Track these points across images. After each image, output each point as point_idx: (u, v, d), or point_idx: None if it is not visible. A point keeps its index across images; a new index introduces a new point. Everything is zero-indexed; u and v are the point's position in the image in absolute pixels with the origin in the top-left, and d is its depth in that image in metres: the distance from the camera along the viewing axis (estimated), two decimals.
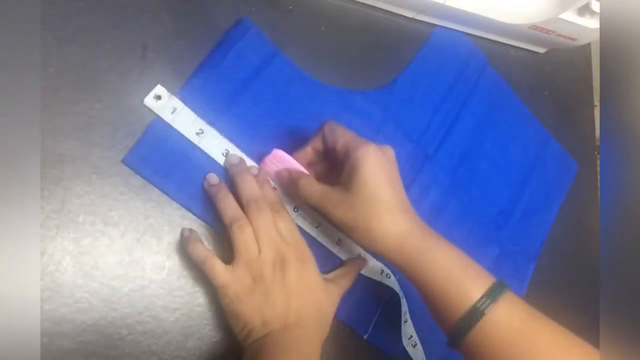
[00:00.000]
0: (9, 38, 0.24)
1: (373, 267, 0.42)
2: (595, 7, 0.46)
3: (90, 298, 0.33)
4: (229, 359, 0.37)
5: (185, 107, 0.37)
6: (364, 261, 0.41)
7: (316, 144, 0.38)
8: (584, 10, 0.48)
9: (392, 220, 0.33)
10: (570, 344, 0.33)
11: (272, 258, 0.34)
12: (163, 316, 0.35)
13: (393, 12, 0.49)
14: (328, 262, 0.41)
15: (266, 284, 0.34)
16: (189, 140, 0.37)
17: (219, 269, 0.34)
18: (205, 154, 0.37)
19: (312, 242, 0.40)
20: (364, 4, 0.48)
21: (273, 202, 0.36)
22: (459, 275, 0.33)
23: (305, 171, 0.37)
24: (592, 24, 0.49)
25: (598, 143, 0.66)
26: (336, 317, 0.39)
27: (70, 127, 0.34)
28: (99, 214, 0.34)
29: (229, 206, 0.35)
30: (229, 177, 0.37)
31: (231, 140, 0.38)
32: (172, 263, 0.36)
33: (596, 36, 0.52)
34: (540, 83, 0.61)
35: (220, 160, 0.37)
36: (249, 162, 0.38)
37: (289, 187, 0.38)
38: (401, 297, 0.43)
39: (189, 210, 0.36)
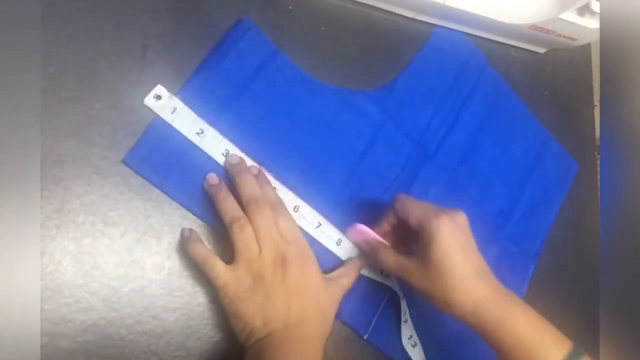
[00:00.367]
0: (9, 38, 0.24)
1: (373, 267, 0.42)
2: (595, 7, 0.46)
3: (90, 298, 0.33)
4: (229, 359, 0.37)
5: (186, 107, 0.37)
6: (364, 261, 0.41)
7: (390, 219, 0.40)
8: (584, 10, 0.48)
9: (468, 288, 0.35)
10: None
11: (273, 257, 0.34)
12: (163, 316, 0.35)
13: (393, 12, 0.49)
14: (328, 262, 0.41)
15: (267, 283, 0.34)
16: (189, 140, 0.37)
17: (219, 269, 0.34)
18: (206, 154, 0.37)
19: (312, 242, 0.40)
20: (364, 4, 0.48)
21: (273, 201, 0.37)
22: (537, 342, 0.34)
23: (383, 241, 0.40)
24: (592, 24, 0.49)
25: (598, 143, 0.66)
26: (336, 317, 0.39)
27: (70, 127, 0.34)
28: (99, 214, 0.34)
29: (229, 206, 0.35)
30: (229, 177, 0.37)
31: (231, 140, 0.38)
32: (172, 263, 0.36)
33: (596, 36, 0.52)
34: (540, 83, 0.61)
35: (220, 160, 0.37)
36: (249, 162, 0.38)
37: (369, 257, 0.40)
38: (401, 298, 0.43)
39: (189, 210, 0.36)
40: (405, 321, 0.43)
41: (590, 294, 0.59)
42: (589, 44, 0.65)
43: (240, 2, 0.41)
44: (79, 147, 0.34)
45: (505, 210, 0.53)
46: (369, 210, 0.44)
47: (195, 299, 0.36)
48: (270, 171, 0.39)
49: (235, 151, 0.38)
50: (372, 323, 0.42)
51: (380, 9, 0.49)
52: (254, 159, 0.39)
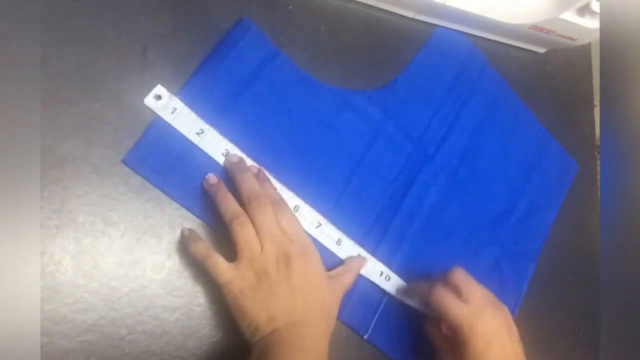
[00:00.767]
0: (9, 38, 0.24)
1: (372, 268, 0.42)
2: (595, 7, 0.46)
3: (90, 298, 0.33)
4: (229, 359, 0.37)
5: (185, 107, 0.37)
6: (364, 260, 0.41)
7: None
8: (584, 10, 0.48)
9: None
10: None
11: (276, 254, 0.34)
12: (163, 316, 0.35)
13: (393, 12, 0.49)
14: (328, 262, 0.41)
15: (270, 280, 0.34)
16: (189, 140, 0.37)
17: (221, 266, 0.33)
18: (205, 154, 0.37)
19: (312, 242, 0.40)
20: (364, 4, 0.48)
21: (274, 199, 0.36)
22: None
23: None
24: (592, 24, 0.49)
25: (598, 143, 0.66)
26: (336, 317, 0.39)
27: (70, 127, 0.34)
28: (99, 214, 0.34)
29: (228, 204, 0.35)
30: (229, 176, 0.37)
31: (231, 140, 0.38)
32: (172, 263, 0.36)
33: (596, 36, 0.52)
34: (540, 83, 0.61)
35: (220, 160, 0.37)
36: (249, 162, 0.38)
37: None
38: (400, 299, 0.43)
39: (189, 210, 0.36)
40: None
41: (590, 294, 0.59)
42: (589, 44, 0.65)
43: (240, 2, 0.41)
44: (79, 147, 0.34)
45: (505, 210, 0.53)
46: (369, 210, 0.44)
47: (195, 299, 0.36)
48: (270, 171, 0.39)
49: (235, 151, 0.38)
50: (372, 323, 0.42)
51: (380, 9, 0.49)
52: (254, 159, 0.39)
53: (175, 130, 0.36)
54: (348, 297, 0.40)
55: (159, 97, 0.36)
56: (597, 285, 0.59)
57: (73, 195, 0.33)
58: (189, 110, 0.37)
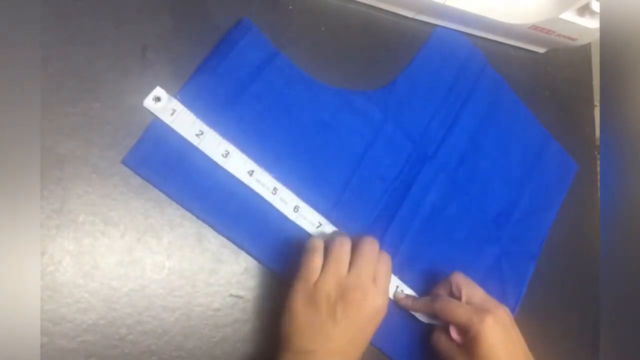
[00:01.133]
0: (9, 38, 0.24)
1: None
2: (595, 7, 0.46)
3: (90, 298, 0.33)
4: (228, 359, 0.37)
5: (185, 109, 0.37)
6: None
7: (441, 292, 0.43)
8: (584, 10, 0.48)
9: None
10: None
11: (327, 292, 0.34)
12: (163, 316, 0.35)
13: (393, 12, 0.49)
14: None
15: (318, 312, 0.34)
16: (189, 142, 0.37)
17: (316, 266, 0.35)
18: (205, 155, 0.37)
19: None
20: (364, 4, 0.48)
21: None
22: None
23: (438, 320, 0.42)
24: (592, 24, 0.49)
25: (598, 143, 0.66)
26: None
27: (70, 127, 0.34)
28: (99, 214, 0.34)
29: (316, 239, 0.37)
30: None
31: (231, 141, 0.38)
32: (172, 263, 0.36)
33: (596, 36, 0.52)
34: (540, 83, 0.61)
35: (220, 161, 0.37)
36: (249, 163, 0.38)
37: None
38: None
39: (189, 210, 0.36)
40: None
41: (591, 294, 0.59)
42: (589, 44, 0.65)
43: (240, 2, 0.41)
44: (79, 147, 0.34)
45: (505, 210, 0.53)
46: (369, 210, 0.44)
47: (195, 299, 0.36)
48: (270, 171, 0.39)
49: (235, 152, 0.38)
50: None
51: (380, 9, 0.49)
52: (254, 159, 0.39)
53: (175, 131, 0.36)
54: None
55: (158, 99, 0.36)
56: (597, 285, 0.59)
57: (73, 195, 0.33)
58: (189, 111, 0.37)
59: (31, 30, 0.25)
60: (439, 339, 0.41)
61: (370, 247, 0.37)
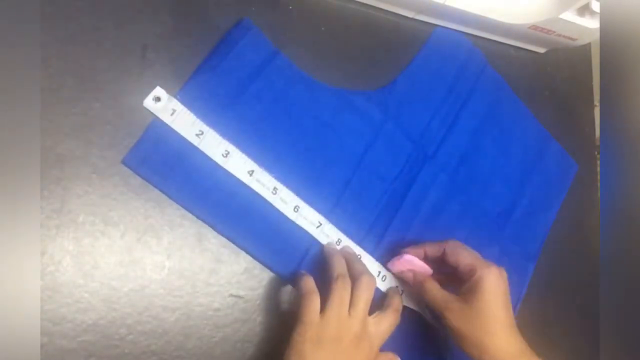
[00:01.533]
0: (9, 38, 0.24)
1: (370, 268, 0.42)
2: (595, 7, 0.46)
3: (90, 298, 0.33)
4: (229, 359, 0.37)
5: (185, 109, 0.37)
6: (400, 297, 0.42)
7: (431, 250, 0.42)
8: (584, 10, 0.48)
9: (504, 339, 0.37)
10: None
11: (355, 330, 0.35)
12: (163, 316, 0.35)
13: (393, 12, 0.49)
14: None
15: (340, 347, 0.35)
16: (189, 142, 0.37)
17: (314, 308, 0.35)
18: (205, 155, 0.37)
19: (312, 242, 0.40)
20: (364, 4, 0.48)
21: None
22: None
23: (428, 270, 0.42)
24: (592, 24, 0.49)
25: (598, 143, 0.66)
26: None
27: (70, 127, 0.34)
28: (99, 214, 0.34)
29: (339, 263, 0.38)
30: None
31: (231, 141, 0.38)
32: (172, 263, 0.36)
33: (596, 36, 0.52)
34: (540, 83, 0.61)
35: (220, 161, 0.37)
36: (249, 163, 0.38)
37: (414, 286, 0.42)
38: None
39: (189, 210, 0.36)
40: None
41: (590, 294, 0.59)
42: (589, 44, 0.65)
43: (240, 2, 0.41)
44: (79, 147, 0.34)
45: (505, 210, 0.53)
46: (369, 210, 0.44)
47: (195, 299, 0.36)
48: (270, 171, 0.39)
49: (235, 152, 0.38)
50: None
51: (380, 9, 0.49)
52: (254, 160, 0.39)
53: (175, 131, 0.36)
54: None
55: (158, 99, 0.36)
56: (597, 285, 0.59)
57: (73, 195, 0.33)
58: (189, 111, 0.37)
59: (31, 30, 0.25)
60: (432, 288, 0.40)
61: (369, 285, 0.37)
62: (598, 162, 0.65)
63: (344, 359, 0.35)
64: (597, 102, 0.67)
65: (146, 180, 0.35)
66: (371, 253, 0.43)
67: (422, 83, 0.50)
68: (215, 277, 0.37)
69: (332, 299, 0.35)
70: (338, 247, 0.41)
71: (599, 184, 0.63)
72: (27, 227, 0.24)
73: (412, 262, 0.42)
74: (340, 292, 0.35)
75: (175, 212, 0.36)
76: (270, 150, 0.40)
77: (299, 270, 0.39)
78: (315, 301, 0.35)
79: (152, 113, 0.36)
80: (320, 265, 0.39)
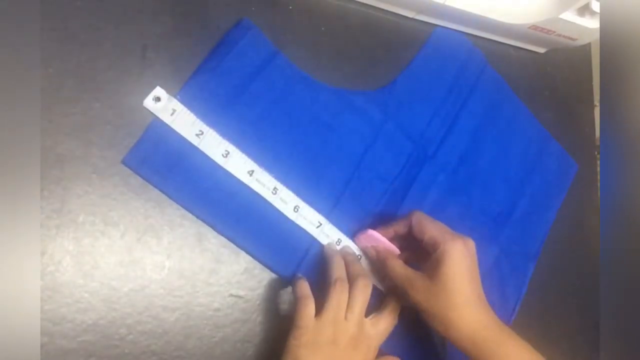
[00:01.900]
0: (9, 38, 0.24)
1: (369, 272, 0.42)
2: (595, 7, 0.46)
3: (90, 298, 0.33)
4: (228, 359, 0.37)
5: (185, 109, 0.37)
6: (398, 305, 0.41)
7: (399, 228, 0.41)
8: (584, 10, 0.48)
9: (470, 312, 0.36)
10: None
11: (352, 332, 0.35)
12: (163, 316, 0.35)
13: (393, 12, 0.49)
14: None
15: (337, 350, 0.35)
16: (189, 142, 0.37)
17: (309, 312, 0.35)
18: (205, 155, 0.37)
19: (312, 242, 0.40)
20: (364, 4, 0.48)
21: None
22: None
23: (395, 250, 0.40)
24: (592, 24, 0.49)
25: (598, 143, 0.66)
26: None
27: (70, 127, 0.34)
28: (99, 214, 0.34)
29: (338, 266, 0.37)
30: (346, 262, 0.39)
31: (231, 141, 0.38)
32: (172, 263, 0.36)
33: (596, 36, 0.52)
34: (540, 83, 0.61)
35: (220, 161, 0.37)
36: (249, 163, 0.38)
37: (376, 263, 0.41)
38: None
39: (189, 210, 0.36)
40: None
41: (590, 294, 0.59)
42: (589, 44, 0.65)
43: (240, 2, 0.41)
44: (79, 147, 0.34)
45: (505, 210, 0.53)
46: (369, 210, 0.44)
47: (195, 299, 0.36)
48: (270, 171, 0.39)
49: (235, 152, 0.38)
50: None
51: (380, 9, 0.49)
52: (254, 160, 0.39)
53: (175, 131, 0.36)
54: None
55: (158, 99, 0.36)
56: (597, 285, 0.59)
57: (73, 195, 0.33)
58: (189, 111, 0.37)
59: (31, 30, 0.25)
60: (394, 265, 0.39)
61: (365, 288, 0.37)
62: (598, 162, 0.65)
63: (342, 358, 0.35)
64: (597, 102, 0.67)
65: (146, 180, 0.35)
66: None
67: (422, 83, 0.50)
68: (215, 277, 0.37)
69: (329, 302, 0.35)
70: (338, 247, 0.41)
71: (599, 184, 0.63)
72: (27, 227, 0.24)
73: (376, 238, 0.40)
74: (338, 295, 0.35)
75: (175, 212, 0.36)
76: (270, 150, 0.40)
77: (295, 274, 0.39)
78: (310, 306, 0.35)
79: (152, 113, 0.36)
80: (320, 266, 0.39)
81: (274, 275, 0.39)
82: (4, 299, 0.22)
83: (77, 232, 0.33)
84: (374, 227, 0.41)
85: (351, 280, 0.37)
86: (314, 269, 0.40)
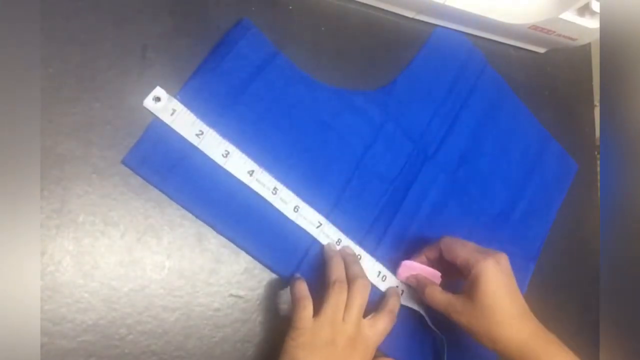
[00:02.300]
0: (9, 38, 0.24)
1: (371, 268, 0.42)
2: (595, 7, 0.46)
3: (90, 298, 0.33)
4: (229, 359, 0.37)
5: (185, 109, 0.37)
6: (398, 296, 0.42)
7: (430, 254, 0.42)
8: (584, 10, 0.48)
9: (513, 327, 0.37)
10: None
11: (350, 333, 0.36)
12: (163, 316, 0.35)
13: (393, 12, 0.49)
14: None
15: (335, 350, 0.35)
16: (189, 142, 0.37)
17: (307, 313, 0.35)
18: (205, 155, 0.37)
19: (312, 242, 0.40)
20: (364, 4, 0.48)
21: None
22: None
23: (436, 273, 0.42)
24: (592, 24, 0.49)
25: (598, 143, 0.66)
26: None
27: (70, 127, 0.34)
28: (99, 214, 0.34)
29: (338, 267, 0.38)
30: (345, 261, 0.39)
31: (231, 141, 0.38)
32: (172, 263, 0.36)
33: (596, 36, 0.52)
34: (540, 83, 0.61)
35: (220, 161, 0.37)
36: (249, 163, 0.38)
37: (416, 292, 0.42)
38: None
39: (189, 210, 0.36)
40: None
41: (590, 294, 0.59)
42: (589, 44, 0.65)
43: (240, 2, 0.41)
44: (79, 147, 0.34)
45: (505, 210, 0.53)
46: (369, 210, 0.44)
47: (195, 299, 0.36)
48: (270, 171, 0.39)
49: (235, 152, 0.38)
50: None
51: (380, 9, 0.49)
52: (254, 160, 0.39)
53: (175, 131, 0.36)
54: None
55: (158, 99, 0.36)
56: (597, 285, 0.59)
57: (73, 195, 0.33)
58: (189, 111, 0.37)
59: (31, 30, 0.25)
60: (434, 293, 0.40)
61: (363, 289, 0.37)
62: (598, 162, 0.65)
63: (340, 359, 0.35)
64: (597, 102, 0.67)
65: (146, 180, 0.35)
66: (371, 253, 0.43)
67: (422, 83, 0.50)
68: (215, 277, 0.37)
69: (328, 303, 0.35)
70: (338, 247, 0.41)
71: (599, 184, 0.63)
72: (27, 227, 0.24)
73: (414, 267, 0.42)
74: (337, 296, 0.36)
75: (175, 212, 0.36)
76: (270, 150, 0.40)
77: (294, 274, 0.39)
78: (308, 307, 0.35)
79: (152, 113, 0.36)
80: (319, 266, 0.39)
81: (274, 275, 0.39)
82: (4, 299, 0.22)
83: (77, 232, 0.33)
84: (407, 258, 0.43)
85: (350, 281, 0.37)
86: (314, 269, 0.40)
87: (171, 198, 0.36)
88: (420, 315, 0.44)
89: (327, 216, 0.41)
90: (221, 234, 0.37)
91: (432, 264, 0.42)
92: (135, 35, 0.37)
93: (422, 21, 0.51)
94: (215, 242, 0.37)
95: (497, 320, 0.37)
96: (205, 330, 0.36)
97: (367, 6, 0.48)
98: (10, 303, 0.23)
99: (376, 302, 0.41)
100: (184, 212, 0.36)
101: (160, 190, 0.36)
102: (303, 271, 0.39)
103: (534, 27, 0.51)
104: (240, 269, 0.38)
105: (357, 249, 0.42)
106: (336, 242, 0.41)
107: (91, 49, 0.35)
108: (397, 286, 0.43)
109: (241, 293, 0.38)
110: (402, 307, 0.42)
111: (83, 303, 0.33)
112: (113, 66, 0.36)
